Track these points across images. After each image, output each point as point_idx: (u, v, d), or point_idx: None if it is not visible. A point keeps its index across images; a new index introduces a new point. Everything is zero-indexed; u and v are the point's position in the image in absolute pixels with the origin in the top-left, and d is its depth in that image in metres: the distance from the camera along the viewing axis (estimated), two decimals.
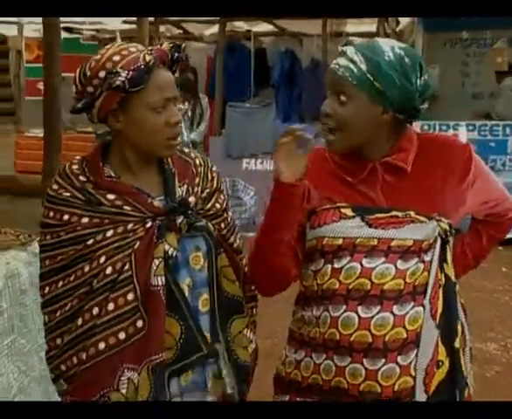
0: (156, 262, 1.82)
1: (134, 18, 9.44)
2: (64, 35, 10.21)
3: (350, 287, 1.81)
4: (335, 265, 1.85)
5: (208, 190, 1.99)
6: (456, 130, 8.14)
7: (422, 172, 1.90)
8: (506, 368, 4.62)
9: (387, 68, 1.80)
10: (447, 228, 1.87)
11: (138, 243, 1.83)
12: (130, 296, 1.80)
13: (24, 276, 2.83)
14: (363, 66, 1.80)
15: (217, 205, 2.00)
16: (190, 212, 1.89)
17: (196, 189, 1.96)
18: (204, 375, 1.92)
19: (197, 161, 2.03)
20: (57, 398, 3.04)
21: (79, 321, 1.82)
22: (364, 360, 1.79)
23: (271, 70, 9.97)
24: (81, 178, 1.89)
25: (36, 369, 2.92)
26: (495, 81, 8.88)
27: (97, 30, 9.84)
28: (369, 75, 1.80)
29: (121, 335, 1.80)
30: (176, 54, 1.87)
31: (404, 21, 8.77)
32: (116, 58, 1.80)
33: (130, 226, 1.84)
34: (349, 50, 1.84)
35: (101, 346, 1.79)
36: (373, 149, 1.89)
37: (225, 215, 2.03)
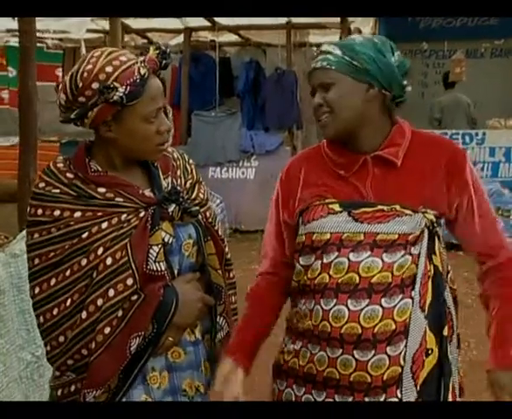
0: (156, 249, 1.85)
1: (99, 27, 9.47)
2: None
3: (340, 281, 1.85)
4: (325, 260, 1.89)
5: (190, 181, 2.04)
6: None
7: (412, 166, 1.94)
8: (469, 366, 4.75)
9: (361, 48, 1.91)
10: (433, 219, 1.89)
11: (133, 231, 1.84)
12: (129, 281, 1.81)
13: (3, 277, 2.81)
14: (339, 52, 1.91)
15: (201, 195, 2.05)
16: (181, 200, 1.93)
17: (179, 181, 2.01)
18: (199, 357, 1.99)
19: (175, 155, 2.08)
20: (36, 398, 3.06)
21: (84, 314, 1.81)
22: (355, 352, 1.83)
23: (235, 79, 9.99)
24: (69, 175, 1.88)
25: (14, 370, 2.89)
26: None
27: (60, 39, 9.74)
28: (346, 57, 1.90)
29: (119, 313, 1.81)
30: (164, 61, 1.90)
31: (366, 31, 8.94)
32: (109, 69, 1.80)
33: (124, 217, 1.85)
34: (324, 46, 1.95)
35: (107, 330, 1.80)
36: (366, 140, 1.95)
37: (209, 204, 2.07)
